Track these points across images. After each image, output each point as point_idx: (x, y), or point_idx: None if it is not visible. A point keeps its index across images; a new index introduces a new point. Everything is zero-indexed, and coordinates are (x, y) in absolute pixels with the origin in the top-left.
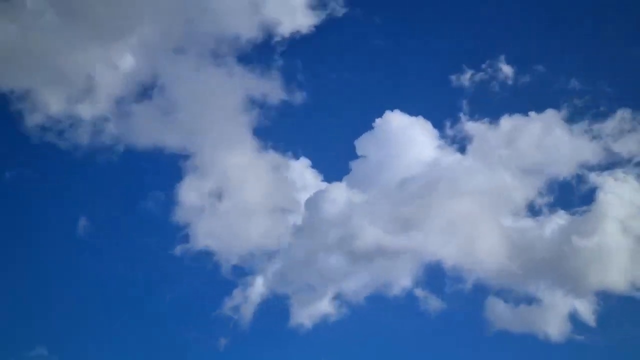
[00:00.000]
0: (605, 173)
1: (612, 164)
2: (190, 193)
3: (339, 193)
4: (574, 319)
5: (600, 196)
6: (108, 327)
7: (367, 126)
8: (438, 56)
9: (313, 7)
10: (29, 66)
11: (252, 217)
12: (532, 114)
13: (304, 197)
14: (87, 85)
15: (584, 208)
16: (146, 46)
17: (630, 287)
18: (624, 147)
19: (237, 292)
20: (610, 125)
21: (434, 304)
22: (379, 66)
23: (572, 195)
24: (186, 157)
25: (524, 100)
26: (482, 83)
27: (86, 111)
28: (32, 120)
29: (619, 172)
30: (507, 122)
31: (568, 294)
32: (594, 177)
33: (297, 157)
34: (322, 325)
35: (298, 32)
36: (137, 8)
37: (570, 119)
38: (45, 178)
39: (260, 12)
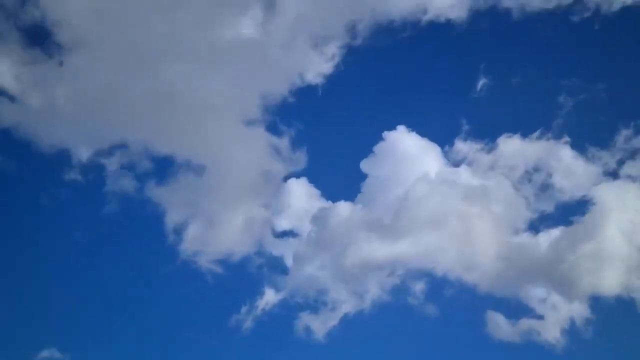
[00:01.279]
0: (602, 184)
1: (609, 174)
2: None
3: (342, 210)
4: (572, 327)
5: (597, 204)
6: (117, 329)
7: (368, 143)
8: (442, 73)
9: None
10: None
11: (257, 232)
12: (532, 132)
13: (305, 214)
14: None
15: (581, 217)
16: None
17: (628, 294)
18: (621, 158)
19: (243, 303)
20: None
21: (437, 315)
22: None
23: (569, 207)
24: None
25: (525, 119)
26: (485, 102)
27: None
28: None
29: (616, 181)
30: (507, 141)
31: (566, 302)
32: (590, 188)
33: (297, 176)
34: (327, 337)
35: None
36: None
37: (570, 136)
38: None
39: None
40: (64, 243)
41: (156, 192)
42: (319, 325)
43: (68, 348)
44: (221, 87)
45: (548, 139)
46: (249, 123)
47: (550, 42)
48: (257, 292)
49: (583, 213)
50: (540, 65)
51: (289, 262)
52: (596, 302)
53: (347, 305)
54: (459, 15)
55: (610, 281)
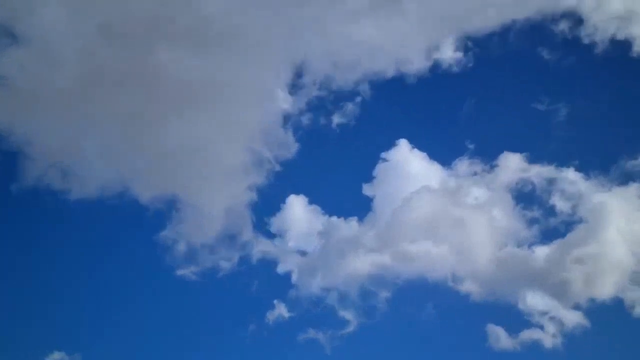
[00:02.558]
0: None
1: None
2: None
3: (344, 227)
4: (572, 336)
5: (593, 213)
6: (125, 331)
7: (370, 160)
8: (446, 92)
9: None
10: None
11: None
12: (533, 151)
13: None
14: None
15: (579, 227)
16: None
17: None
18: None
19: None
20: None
21: (439, 327)
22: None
23: (567, 219)
24: None
25: (525, 138)
26: (486, 120)
27: None
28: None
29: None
30: (507, 158)
31: (566, 311)
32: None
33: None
34: (332, 351)
35: None
36: None
37: (570, 156)
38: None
39: None
40: (77, 245)
41: (142, 186)
42: (325, 339)
43: (76, 351)
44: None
45: (548, 158)
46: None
47: (551, 69)
48: (264, 307)
49: (581, 222)
50: (541, 88)
51: (294, 277)
52: (596, 310)
53: (353, 319)
54: (466, 67)
55: (609, 289)
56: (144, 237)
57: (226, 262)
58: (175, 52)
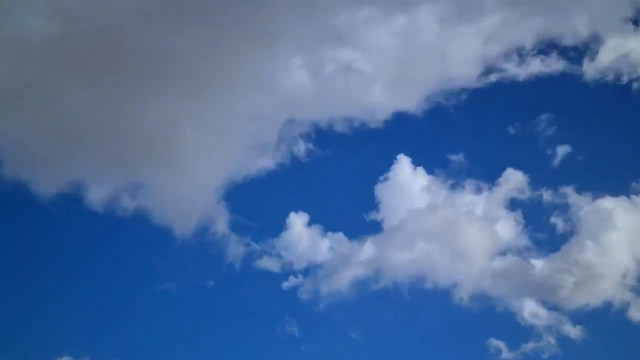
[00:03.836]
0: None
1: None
2: None
3: (346, 243)
4: (571, 345)
5: (588, 222)
6: (132, 333)
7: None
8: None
9: None
10: None
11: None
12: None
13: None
14: None
15: (577, 237)
16: None
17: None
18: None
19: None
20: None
21: (442, 340)
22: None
23: (566, 230)
24: None
25: (529, 157)
26: (489, 139)
27: None
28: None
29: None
30: (509, 174)
31: (565, 321)
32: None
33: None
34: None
35: None
36: None
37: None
38: None
39: None
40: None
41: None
42: (328, 353)
43: (83, 354)
44: None
45: (548, 175)
46: None
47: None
48: (270, 323)
49: (578, 232)
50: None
51: (298, 293)
52: (595, 319)
53: (356, 334)
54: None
55: (607, 298)
56: (141, 235)
57: (224, 277)
58: (153, 29)
